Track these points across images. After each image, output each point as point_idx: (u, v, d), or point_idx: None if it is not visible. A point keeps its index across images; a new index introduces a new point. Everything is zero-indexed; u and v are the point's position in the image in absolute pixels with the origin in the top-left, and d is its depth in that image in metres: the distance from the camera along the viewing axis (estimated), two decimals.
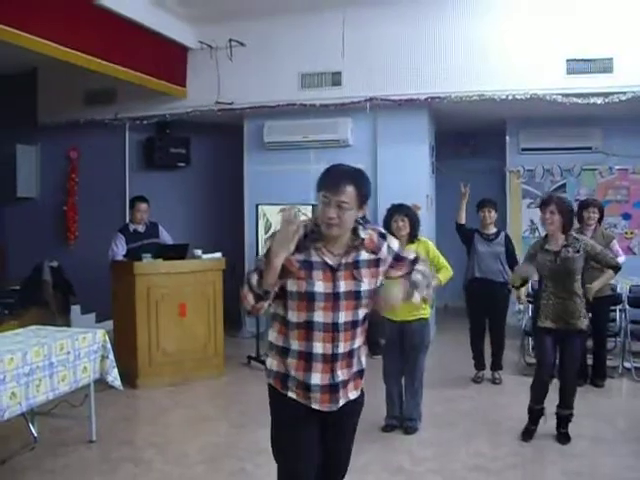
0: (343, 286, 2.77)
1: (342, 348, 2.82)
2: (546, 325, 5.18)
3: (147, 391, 6.72)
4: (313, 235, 2.77)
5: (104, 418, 5.52)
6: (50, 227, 10.33)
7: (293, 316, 2.79)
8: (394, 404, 5.53)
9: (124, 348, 6.70)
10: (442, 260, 5.61)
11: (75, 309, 9.42)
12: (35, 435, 5.21)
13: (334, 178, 2.76)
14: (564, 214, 5.10)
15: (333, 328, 2.78)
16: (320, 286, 2.74)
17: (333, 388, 2.84)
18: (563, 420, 5.19)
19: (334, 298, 2.76)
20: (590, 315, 5.45)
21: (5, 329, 5.80)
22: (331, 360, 2.81)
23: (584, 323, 5.14)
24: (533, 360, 6.98)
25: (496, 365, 7.10)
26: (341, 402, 2.88)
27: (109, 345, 5.29)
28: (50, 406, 5.27)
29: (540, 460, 4.88)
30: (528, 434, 5.24)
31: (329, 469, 3.03)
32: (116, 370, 5.33)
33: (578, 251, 5.09)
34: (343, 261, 2.79)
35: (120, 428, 5.67)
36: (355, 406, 2.99)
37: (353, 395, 2.94)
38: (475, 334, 7.18)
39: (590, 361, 6.83)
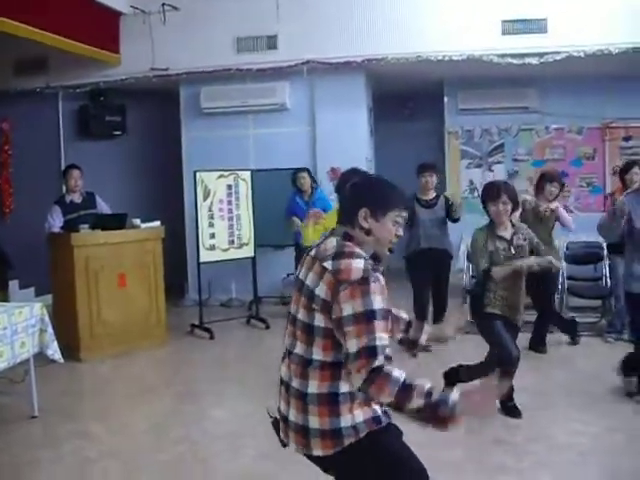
0: None
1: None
2: (495, 312, 4.85)
3: (90, 364, 6.64)
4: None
5: (46, 393, 5.44)
6: None
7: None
8: None
9: (65, 321, 6.62)
10: None
11: (13, 284, 9.24)
12: None
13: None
14: (513, 200, 4.85)
15: None
16: None
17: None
18: None
19: None
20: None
21: None
22: None
23: (522, 318, 5.01)
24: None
25: None
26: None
27: (47, 318, 5.20)
28: None
29: None
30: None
31: None
32: (56, 343, 5.25)
33: (525, 239, 4.92)
34: None
35: (63, 402, 5.59)
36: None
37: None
38: (419, 304, 6.87)
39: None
